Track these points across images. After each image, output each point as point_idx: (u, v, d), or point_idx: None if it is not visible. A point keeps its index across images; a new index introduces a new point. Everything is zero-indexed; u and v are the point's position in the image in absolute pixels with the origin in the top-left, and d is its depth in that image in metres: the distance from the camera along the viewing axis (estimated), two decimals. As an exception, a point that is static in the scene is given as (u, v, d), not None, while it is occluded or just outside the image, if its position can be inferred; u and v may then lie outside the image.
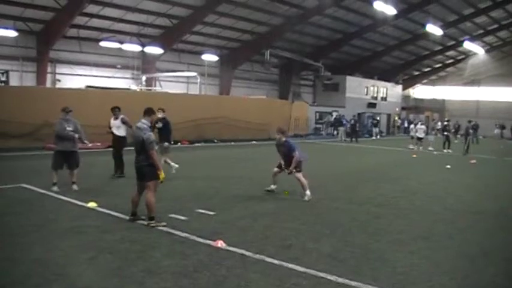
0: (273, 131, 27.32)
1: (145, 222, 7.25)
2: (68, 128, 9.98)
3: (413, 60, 47.29)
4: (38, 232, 6.78)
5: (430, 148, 25.05)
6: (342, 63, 42.91)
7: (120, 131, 11.77)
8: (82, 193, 9.45)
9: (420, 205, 9.87)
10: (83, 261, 5.63)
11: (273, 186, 10.32)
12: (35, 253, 5.86)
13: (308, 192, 9.77)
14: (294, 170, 9.79)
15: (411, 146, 25.44)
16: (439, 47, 44.63)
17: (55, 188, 9.80)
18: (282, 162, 10.09)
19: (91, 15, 25.22)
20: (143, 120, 7.37)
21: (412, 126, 27.86)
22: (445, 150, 24.16)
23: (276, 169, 10.25)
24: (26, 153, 15.22)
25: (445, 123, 27.76)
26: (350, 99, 39.40)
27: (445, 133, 25.39)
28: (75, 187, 9.95)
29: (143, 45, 28.95)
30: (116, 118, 11.73)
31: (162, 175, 7.26)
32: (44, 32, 25.01)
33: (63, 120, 10.05)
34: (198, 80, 29.36)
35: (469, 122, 26.93)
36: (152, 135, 7.30)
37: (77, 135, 9.97)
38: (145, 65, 30.18)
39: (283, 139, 10.03)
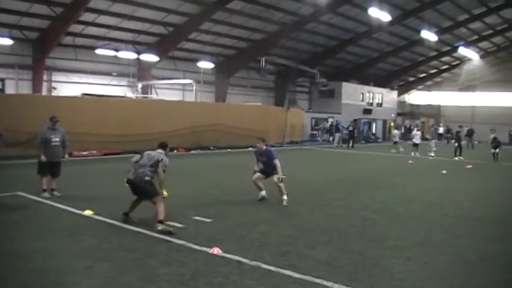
0: (269, 137, 27.73)
1: (143, 230, 7.30)
2: (54, 139, 9.94)
3: (408, 66, 47.47)
4: (36, 240, 6.75)
5: (430, 153, 24.95)
6: (338, 70, 43.04)
7: None
8: (78, 201, 9.42)
9: (417, 211, 9.88)
10: (81, 270, 5.63)
11: (263, 193, 10.13)
12: (34, 262, 5.85)
13: (285, 197, 9.84)
14: (280, 177, 9.72)
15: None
16: (434, 53, 44.90)
17: (46, 195, 9.81)
18: (258, 173, 10.08)
19: (87, 23, 25.21)
20: (159, 151, 7.89)
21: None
22: (456, 158, 23.69)
23: (256, 175, 10.10)
24: (21, 162, 15.14)
25: (458, 129, 26.89)
26: (346, 105, 39.48)
27: (457, 143, 24.53)
28: (56, 193, 9.95)
29: (139, 53, 28.96)
30: None
31: (165, 193, 7.80)
32: (40, 40, 24.99)
33: (50, 130, 9.98)
34: (194, 87, 29.40)
35: (491, 130, 25.24)
36: (168, 162, 7.85)
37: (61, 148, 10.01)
38: (141, 72, 30.16)
39: (264, 147, 10.08)
